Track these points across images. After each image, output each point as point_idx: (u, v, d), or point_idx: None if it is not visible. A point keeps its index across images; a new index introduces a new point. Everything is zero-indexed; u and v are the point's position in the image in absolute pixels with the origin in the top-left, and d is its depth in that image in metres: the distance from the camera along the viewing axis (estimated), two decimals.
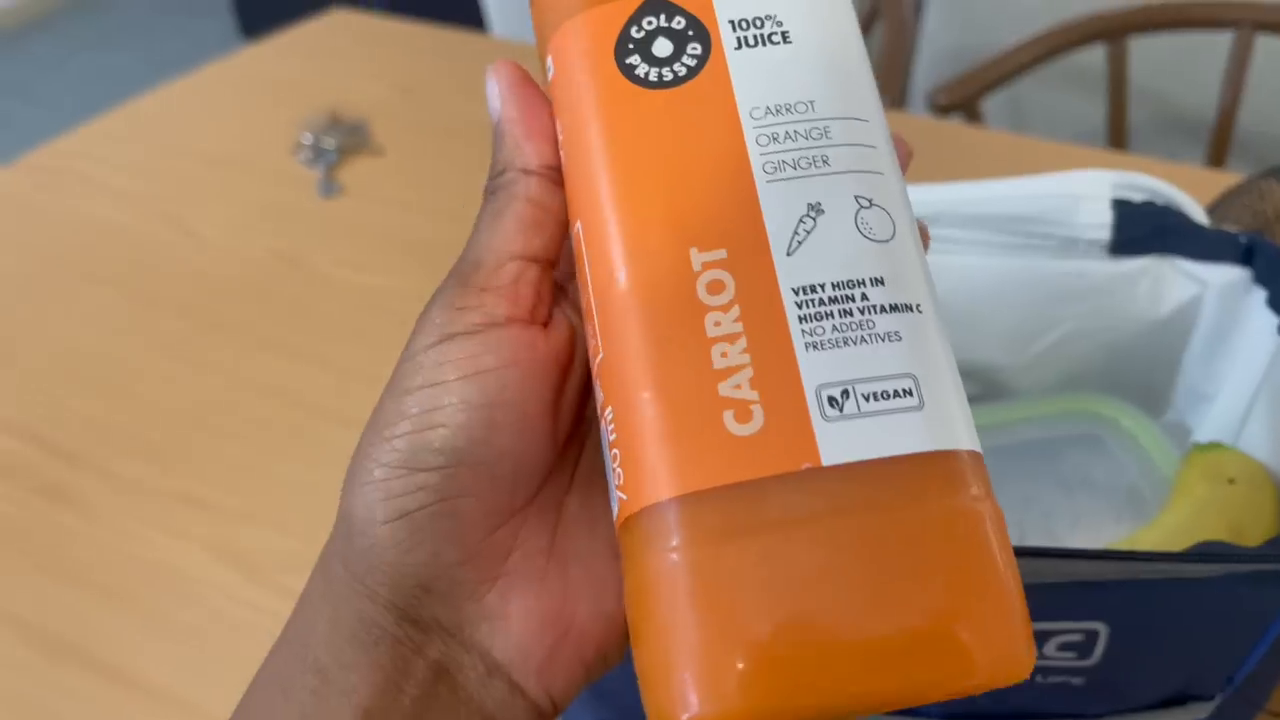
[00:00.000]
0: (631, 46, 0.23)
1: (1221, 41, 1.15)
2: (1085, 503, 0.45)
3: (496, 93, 0.25)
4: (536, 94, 0.25)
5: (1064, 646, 0.33)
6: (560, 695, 0.24)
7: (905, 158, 0.25)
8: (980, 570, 0.20)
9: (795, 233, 0.21)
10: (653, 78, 0.22)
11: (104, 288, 0.78)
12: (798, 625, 0.19)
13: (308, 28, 1.16)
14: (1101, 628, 0.32)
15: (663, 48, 0.23)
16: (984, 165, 0.87)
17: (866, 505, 0.20)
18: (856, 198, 0.21)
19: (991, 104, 1.39)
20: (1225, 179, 0.82)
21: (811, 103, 0.22)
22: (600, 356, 0.22)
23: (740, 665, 0.19)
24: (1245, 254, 0.44)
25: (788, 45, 0.23)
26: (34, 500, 0.61)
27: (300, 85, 1.04)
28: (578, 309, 0.25)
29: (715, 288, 0.21)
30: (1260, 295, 0.43)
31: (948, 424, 0.20)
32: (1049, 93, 1.39)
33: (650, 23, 0.23)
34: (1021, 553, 0.31)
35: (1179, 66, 1.28)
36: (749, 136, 0.22)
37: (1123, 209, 0.45)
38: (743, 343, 0.20)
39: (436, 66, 1.07)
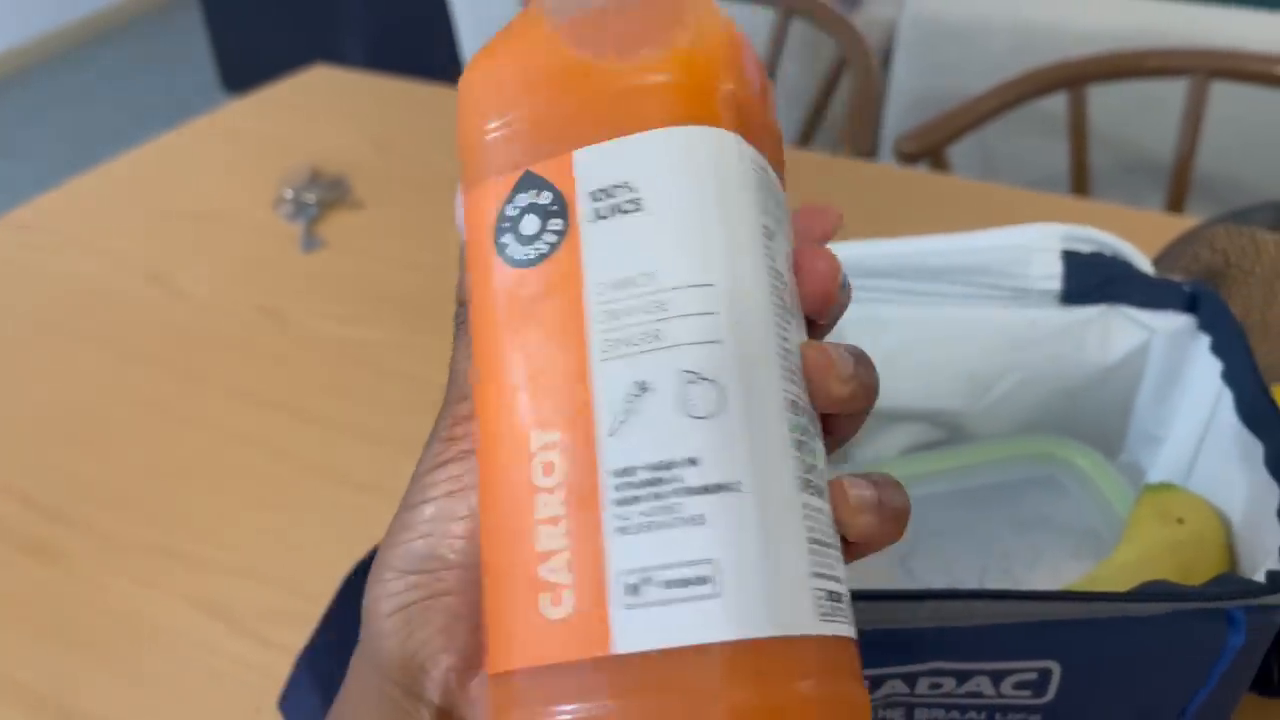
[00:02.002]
0: (506, 225, 0.23)
1: (1178, 89, 1.19)
2: (1043, 542, 0.47)
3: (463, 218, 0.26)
4: None
5: (1019, 685, 0.34)
6: None
7: (830, 225, 0.26)
8: None
9: (620, 413, 0.21)
10: (519, 256, 0.23)
11: (86, 344, 0.79)
12: None
13: (288, 83, 1.18)
14: (1055, 666, 0.34)
15: (530, 225, 0.23)
16: (950, 212, 0.89)
17: (656, 690, 0.20)
18: (684, 373, 0.21)
19: (959, 151, 1.42)
20: (1184, 223, 0.85)
21: (652, 274, 0.21)
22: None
23: None
24: (1190, 302, 0.46)
25: (638, 213, 0.22)
26: (16, 557, 0.62)
27: (281, 140, 1.06)
28: None
29: (548, 469, 0.22)
30: (1204, 341, 0.45)
31: (753, 610, 0.20)
32: (1015, 139, 1.42)
33: (523, 200, 0.23)
34: (975, 595, 0.32)
35: (1139, 113, 1.32)
36: (590, 314, 0.22)
37: (1072, 260, 0.47)
38: (563, 526, 0.21)
39: (416, 121, 1.09)
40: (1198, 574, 0.40)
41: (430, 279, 0.85)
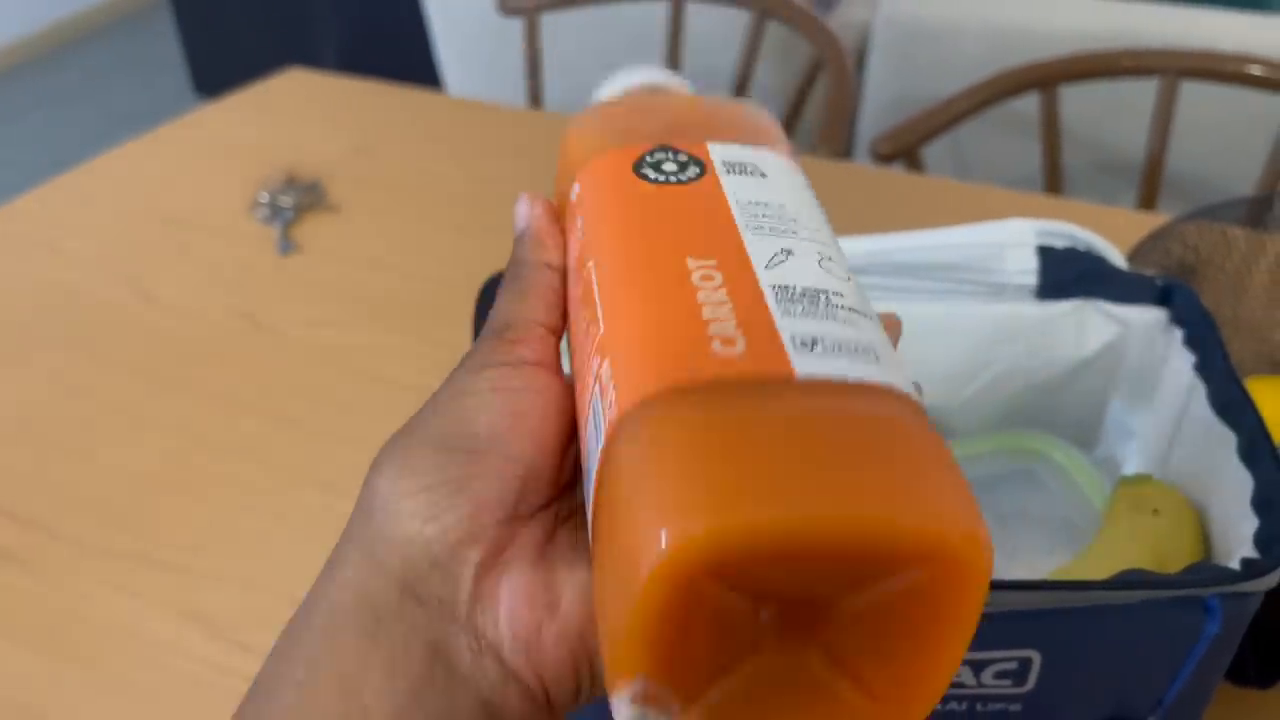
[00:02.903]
0: (646, 165, 0.30)
1: (1149, 89, 1.20)
2: (1022, 535, 0.47)
3: (525, 211, 0.31)
4: (554, 218, 0.31)
5: (1000, 674, 0.34)
6: (552, 682, 0.26)
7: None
8: (928, 462, 0.22)
9: (772, 259, 0.26)
10: (661, 179, 0.29)
11: (61, 350, 0.78)
12: (762, 485, 0.21)
13: (263, 86, 1.18)
14: (1035, 655, 0.34)
15: (670, 167, 0.30)
16: (926, 212, 0.90)
17: (828, 407, 0.22)
18: (819, 253, 0.27)
19: (933, 151, 1.43)
20: (1156, 220, 0.86)
21: (783, 205, 0.28)
22: (601, 332, 0.25)
23: (707, 508, 0.20)
24: (1163, 296, 0.47)
25: (764, 178, 0.29)
26: None
27: (256, 144, 1.06)
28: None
29: (706, 278, 0.25)
30: (1178, 334, 0.45)
31: (902, 376, 0.24)
32: (989, 140, 1.43)
33: (660, 156, 0.30)
34: None
35: (1111, 113, 1.33)
36: (735, 210, 0.28)
37: (1047, 255, 0.47)
38: (729, 308, 0.24)
39: (391, 124, 1.09)
40: (1173, 564, 0.40)
41: (406, 282, 0.84)
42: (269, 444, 0.69)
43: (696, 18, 1.55)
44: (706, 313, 0.24)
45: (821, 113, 1.13)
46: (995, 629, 0.33)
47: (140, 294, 0.84)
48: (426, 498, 0.25)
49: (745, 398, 0.22)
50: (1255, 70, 1.03)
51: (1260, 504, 0.37)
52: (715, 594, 0.21)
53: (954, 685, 0.34)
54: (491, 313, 0.29)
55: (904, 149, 1.05)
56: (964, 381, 0.49)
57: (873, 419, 0.22)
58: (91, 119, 2.95)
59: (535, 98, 1.39)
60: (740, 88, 1.33)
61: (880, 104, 1.51)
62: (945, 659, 0.23)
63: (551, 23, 1.60)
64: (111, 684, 0.54)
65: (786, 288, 0.25)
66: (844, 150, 1.15)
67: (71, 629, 0.57)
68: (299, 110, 1.13)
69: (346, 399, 0.72)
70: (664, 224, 0.27)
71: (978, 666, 0.34)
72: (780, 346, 0.23)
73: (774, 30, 1.49)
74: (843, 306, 0.25)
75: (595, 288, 0.27)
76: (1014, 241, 0.47)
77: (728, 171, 0.29)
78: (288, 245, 0.89)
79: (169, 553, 0.61)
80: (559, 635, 0.25)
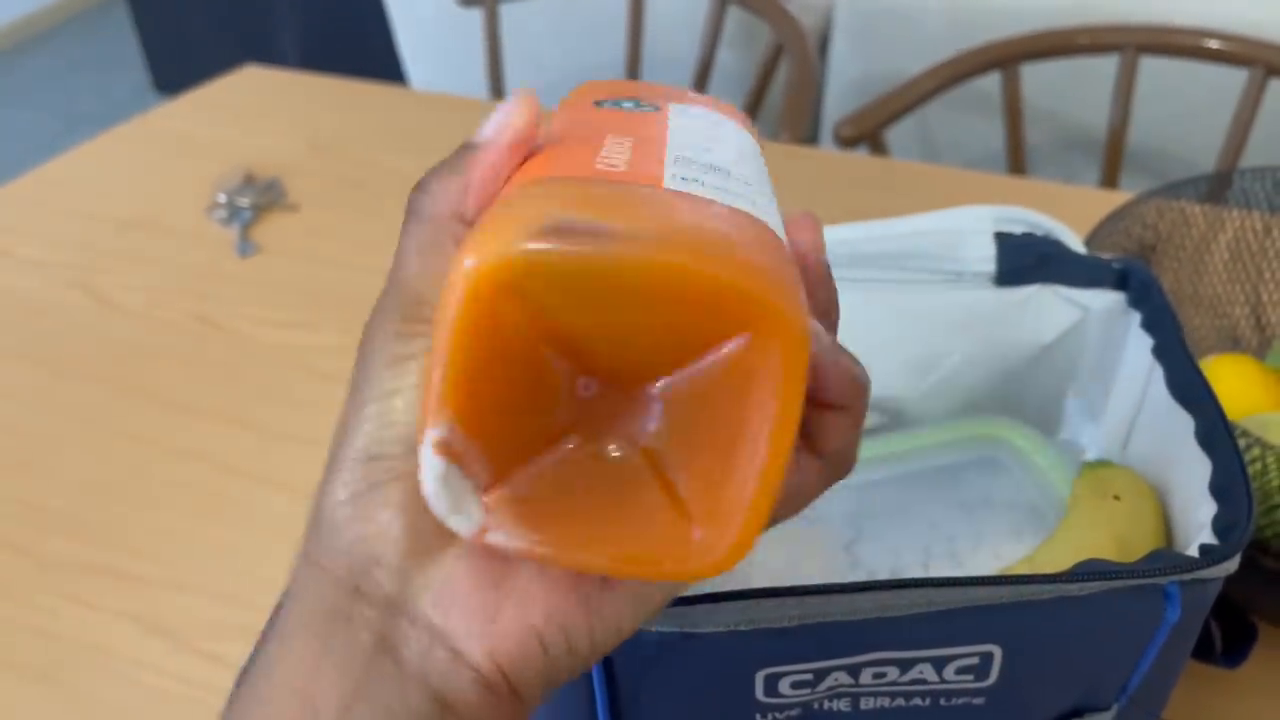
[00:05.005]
0: (604, 103, 0.30)
1: (1109, 65, 1.20)
2: (987, 523, 0.47)
3: (500, 125, 0.27)
4: (518, 158, 0.27)
5: (962, 670, 0.34)
6: (512, 668, 0.25)
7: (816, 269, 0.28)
8: (760, 245, 0.23)
9: (673, 162, 0.25)
10: (612, 106, 0.29)
11: (14, 358, 0.77)
12: (581, 227, 0.21)
13: (219, 84, 1.16)
14: (996, 649, 0.34)
15: (628, 105, 0.30)
16: (890, 196, 0.90)
17: (674, 197, 0.23)
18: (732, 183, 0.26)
19: (898, 133, 1.43)
20: (1119, 198, 0.86)
21: (716, 143, 0.28)
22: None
23: (522, 236, 0.21)
24: (1120, 279, 0.47)
25: (713, 126, 0.29)
26: None
27: (213, 143, 1.04)
28: None
29: (616, 143, 0.26)
30: (1136, 318, 0.45)
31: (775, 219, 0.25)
32: (952, 120, 1.43)
33: (625, 102, 0.30)
34: (913, 584, 0.32)
35: (1072, 90, 1.34)
36: (670, 134, 0.27)
37: (1004, 241, 0.47)
38: (626, 146, 0.25)
39: (350, 120, 1.07)
40: (1135, 549, 0.40)
41: (368, 280, 0.83)
42: (232, 449, 0.68)
43: (657, 3, 1.54)
44: (603, 152, 0.25)
45: (784, 97, 1.12)
46: (955, 625, 0.33)
47: (96, 298, 0.83)
48: (357, 505, 0.25)
49: (599, 184, 0.23)
50: (1212, 44, 1.03)
51: (1218, 489, 0.37)
52: (527, 341, 0.22)
53: (916, 682, 0.34)
54: (401, 265, 0.27)
55: (867, 132, 1.05)
56: (925, 370, 0.49)
57: (715, 211, 0.23)
58: (51, 120, 2.91)
59: (497, 89, 1.38)
60: (702, 73, 1.32)
61: (844, 86, 1.51)
62: (764, 465, 0.22)
63: (511, 12, 1.59)
64: (74, 699, 0.53)
65: (688, 160, 0.25)
66: (808, 135, 1.15)
67: (32, 643, 0.56)
68: (255, 108, 1.11)
69: (311, 400, 0.72)
70: (601, 121, 0.28)
71: (939, 663, 0.34)
72: (660, 169, 0.24)
73: (735, 15, 1.48)
74: (741, 178, 0.25)
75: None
76: (971, 229, 0.47)
77: (678, 115, 0.29)
78: (247, 247, 0.88)
79: (131, 562, 0.60)
80: (517, 614, 0.25)
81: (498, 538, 0.23)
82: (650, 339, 0.22)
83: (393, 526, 0.24)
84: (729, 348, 0.22)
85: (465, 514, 0.23)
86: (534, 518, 0.23)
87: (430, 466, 0.22)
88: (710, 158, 0.26)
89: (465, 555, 0.25)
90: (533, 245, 0.21)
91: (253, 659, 0.26)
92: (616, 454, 0.24)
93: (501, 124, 0.27)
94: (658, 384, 0.23)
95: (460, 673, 0.24)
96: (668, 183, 0.24)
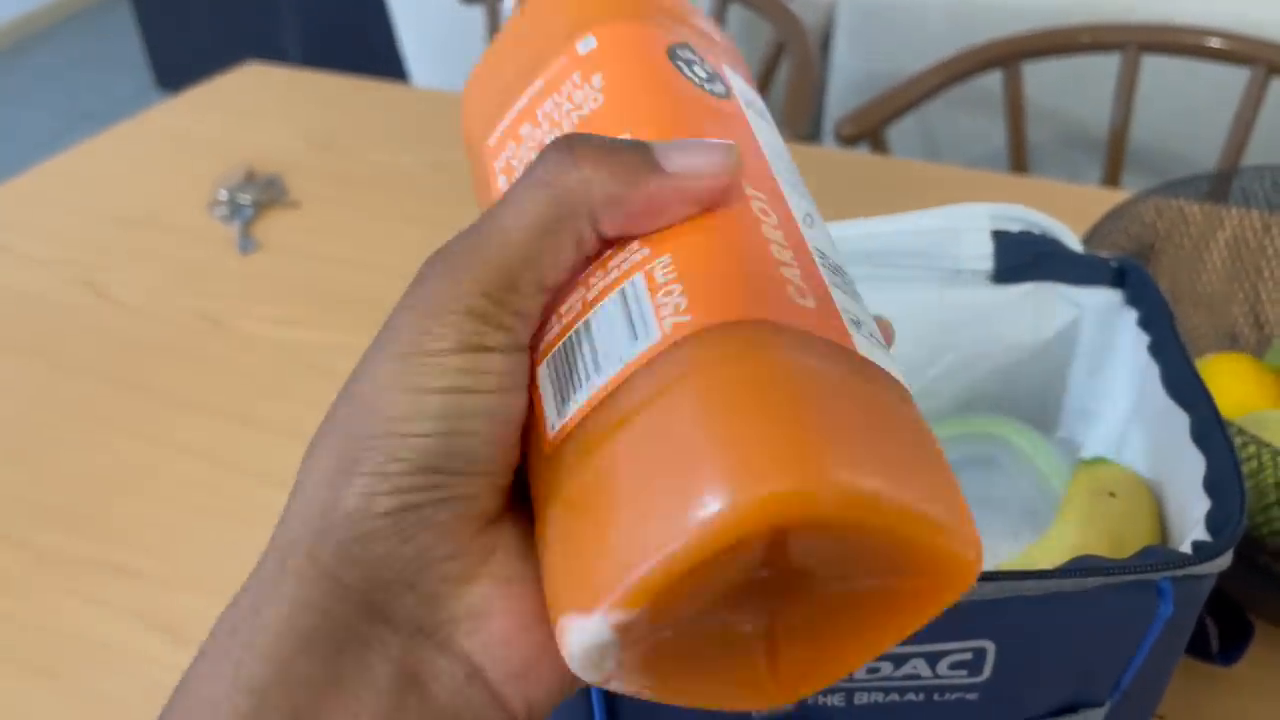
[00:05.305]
0: (678, 57, 0.27)
1: (1111, 63, 1.20)
2: (982, 521, 0.47)
3: (700, 170, 0.23)
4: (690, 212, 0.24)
5: (955, 665, 0.34)
6: (538, 707, 0.23)
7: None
8: (947, 476, 0.22)
9: (804, 218, 0.25)
10: (698, 81, 0.27)
11: (17, 355, 0.77)
12: (843, 458, 0.20)
13: (220, 81, 1.16)
14: (989, 645, 0.34)
15: (700, 72, 0.27)
16: (891, 194, 0.90)
17: (885, 396, 0.22)
18: (821, 220, 0.27)
19: (899, 132, 1.43)
20: (1120, 196, 0.86)
21: (789, 160, 0.28)
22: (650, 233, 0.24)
23: (801, 469, 0.19)
24: (1117, 277, 0.47)
25: (772, 127, 0.28)
26: None
27: (215, 140, 1.04)
28: None
29: (764, 213, 0.24)
30: (1132, 315, 0.45)
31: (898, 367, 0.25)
32: (954, 118, 1.43)
33: (688, 54, 0.28)
34: None
35: (1074, 89, 1.34)
36: (767, 152, 0.26)
37: (1001, 239, 0.47)
38: (791, 256, 0.24)
39: (351, 118, 1.07)
40: (1130, 547, 0.40)
41: (370, 277, 0.84)
42: (232, 445, 0.68)
43: None
44: (775, 252, 0.23)
45: (786, 96, 1.12)
46: (948, 620, 0.33)
47: (98, 295, 0.83)
48: (402, 519, 0.21)
49: (827, 359, 0.21)
50: (1214, 43, 1.03)
51: (1211, 486, 0.37)
52: (756, 552, 0.20)
53: (910, 677, 0.34)
54: (499, 225, 0.23)
55: (868, 130, 1.05)
56: (922, 367, 0.49)
57: (915, 421, 0.22)
58: (53, 118, 2.91)
59: None
60: None
61: (846, 84, 1.51)
62: (864, 655, 0.23)
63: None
64: (76, 695, 0.54)
65: (824, 254, 0.25)
66: (810, 133, 1.15)
67: (35, 640, 0.57)
68: (257, 105, 1.11)
69: (313, 397, 0.72)
70: (715, 132, 0.25)
71: (933, 659, 0.34)
72: (839, 317, 0.23)
73: (737, 12, 1.48)
74: (855, 291, 0.25)
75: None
76: (968, 226, 0.47)
77: (747, 107, 0.28)
78: (248, 243, 0.88)
79: (133, 558, 0.61)
80: (556, 659, 0.23)
81: (614, 684, 0.22)
82: (851, 557, 0.21)
83: (437, 550, 0.22)
84: (909, 583, 0.21)
85: (600, 671, 0.21)
86: (649, 667, 0.22)
87: (595, 635, 0.20)
88: (824, 240, 0.26)
89: (507, 592, 0.23)
90: (811, 486, 0.19)
91: (226, 656, 0.21)
92: (748, 628, 0.22)
93: (703, 170, 0.23)
94: (821, 585, 0.22)
95: (495, 714, 0.23)
96: (850, 332, 0.23)
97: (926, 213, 0.48)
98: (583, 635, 0.20)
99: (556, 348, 0.23)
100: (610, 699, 0.35)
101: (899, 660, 0.34)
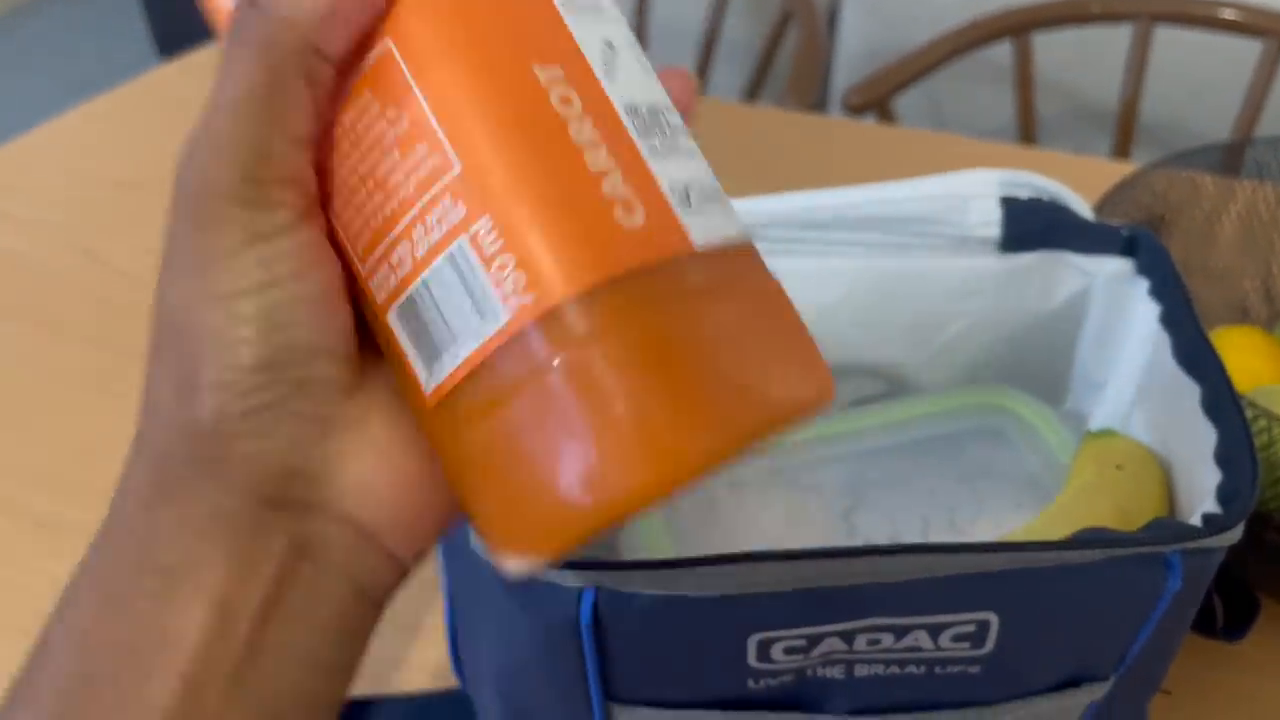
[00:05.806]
0: None
1: (1122, 34, 1.19)
2: (988, 493, 0.47)
3: None
4: None
5: (958, 638, 0.34)
6: (425, 549, 0.26)
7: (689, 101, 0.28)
8: (794, 330, 0.25)
9: (604, 58, 0.24)
10: None
11: (14, 321, 0.76)
12: (707, 382, 0.22)
13: (219, 47, 1.15)
14: (992, 617, 0.33)
15: None
16: (899, 164, 0.89)
17: (722, 281, 0.23)
18: (628, 38, 0.25)
19: (907, 102, 1.42)
20: (1130, 169, 0.85)
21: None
22: (455, 171, 0.22)
23: (663, 424, 0.21)
24: (1128, 246, 0.46)
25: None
26: None
27: None
28: None
29: (565, 100, 0.23)
30: (1143, 285, 0.44)
31: (740, 219, 0.25)
32: (962, 89, 1.42)
33: None
34: (911, 550, 0.32)
35: (1084, 60, 1.32)
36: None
37: (1010, 206, 0.46)
38: (605, 152, 0.23)
39: None
40: (1137, 519, 0.39)
41: None
42: None
43: None
44: (589, 161, 0.22)
45: (793, 65, 1.11)
46: (952, 591, 0.33)
47: (94, 261, 0.82)
48: (258, 418, 0.22)
49: (668, 297, 0.22)
50: (1227, 14, 1.02)
51: (1223, 457, 0.36)
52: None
53: (911, 650, 0.34)
54: (228, 103, 0.22)
55: (876, 100, 1.03)
56: (928, 337, 0.48)
57: (760, 293, 0.24)
58: (51, 86, 2.89)
59: None
60: (709, 41, 1.31)
61: (854, 54, 1.49)
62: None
63: None
64: None
65: (634, 108, 0.24)
66: (816, 102, 1.14)
67: (27, 607, 0.56)
68: None
69: None
70: (487, 7, 0.23)
71: (935, 630, 0.33)
72: (669, 208, 0.23)
73: None
74: (675, 125, 0.25)
75: (413, 83, 0.22)
76: (976, 193, 0.46)
77: None
78: None
79: None
80: (435, 515, 0.25)
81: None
82: None
83: (305, 434, 0.23)
84: None
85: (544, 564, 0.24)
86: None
87: (529, 565, 0.23)
88: (629, 75, 0.24)
89: (382, 456, 0.24)
90: (690, 462, 0.21)
91: (103, 571, 0.25)
92: None
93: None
94: None
95: (389, 568, 0.25)
96: (682, 219, 0.23)
97: (933, 179, 0.47)
98: (519, 565, 0.23)
99: (402, 300, 0.23)
100: (603, 657, 0.34)
101: (900, 632, 0.33)
